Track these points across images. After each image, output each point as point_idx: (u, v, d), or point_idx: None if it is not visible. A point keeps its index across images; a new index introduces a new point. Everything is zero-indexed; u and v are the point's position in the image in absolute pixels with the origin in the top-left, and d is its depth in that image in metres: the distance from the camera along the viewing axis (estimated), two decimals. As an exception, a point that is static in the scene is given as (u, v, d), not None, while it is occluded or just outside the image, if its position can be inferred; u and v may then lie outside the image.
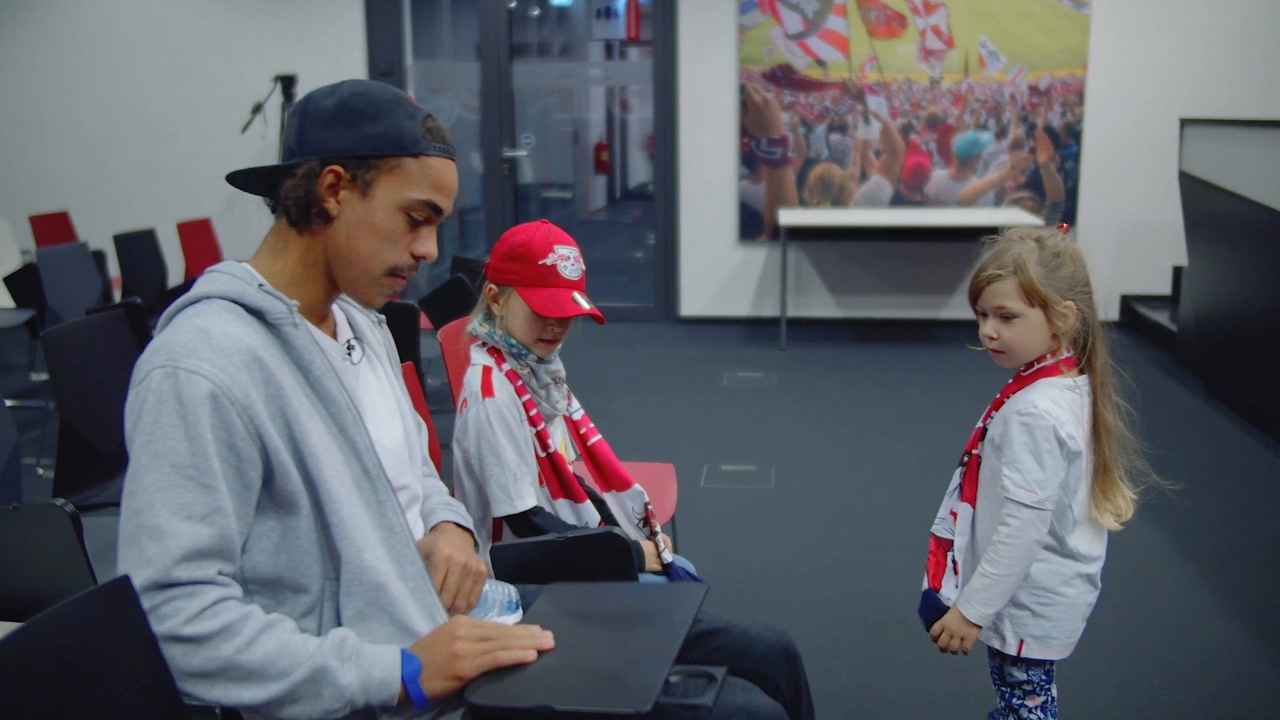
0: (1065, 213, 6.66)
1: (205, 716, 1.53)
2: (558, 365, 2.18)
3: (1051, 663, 1.93)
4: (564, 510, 2.11)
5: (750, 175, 6.89)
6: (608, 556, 1.86)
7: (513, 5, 7.19)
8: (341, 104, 1.45)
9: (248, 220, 7.15)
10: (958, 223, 6.34)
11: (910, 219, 6.40)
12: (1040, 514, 1.79)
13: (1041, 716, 1.95)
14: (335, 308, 1.61)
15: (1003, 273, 1.80)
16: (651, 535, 2.21)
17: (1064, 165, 6.65)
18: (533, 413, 2.08)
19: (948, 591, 1.91)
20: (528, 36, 11.04)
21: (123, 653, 1.27)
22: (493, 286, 2.11)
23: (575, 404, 2.25)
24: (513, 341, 2.09)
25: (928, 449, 4.57)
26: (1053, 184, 6.67)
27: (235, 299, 1.42)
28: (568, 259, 2.08)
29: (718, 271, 7.08)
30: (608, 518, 2.16)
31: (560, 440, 2.18)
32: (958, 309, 6.91)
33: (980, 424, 1.92)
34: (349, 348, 1.58)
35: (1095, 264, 1.88)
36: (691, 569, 2.27)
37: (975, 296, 1.87)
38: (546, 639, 1.42)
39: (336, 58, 7.10)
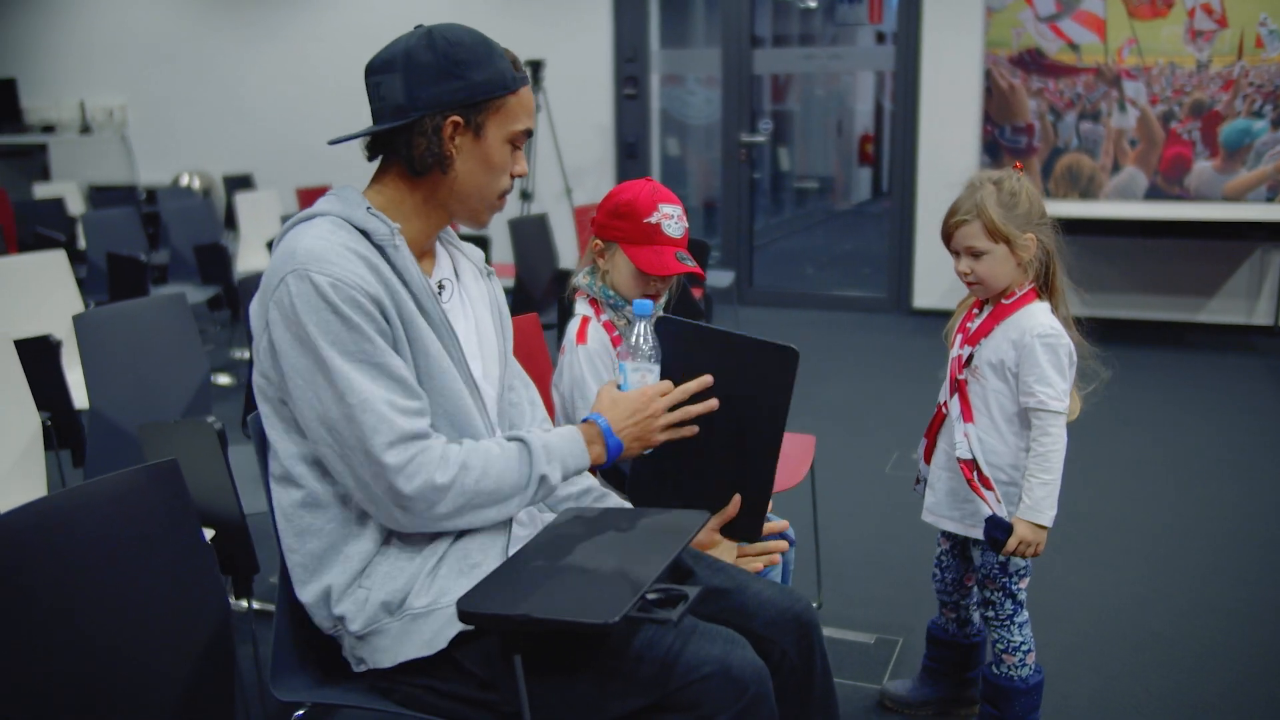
0: (1352, 211, 5.99)
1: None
2: None
3: None
4: None
5: (992, 164, 6.61)
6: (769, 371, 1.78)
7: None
8: (445, 57, 1.58)
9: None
10: (1222, 218, 5.84)
11: (1168, 213, 5.95)
12: (1064, 417, 2.10)
13: (1024, 597, 2.22)
14: (443, 250, 1.77)
15: (968, 217, 2.08)
16: None
17: (1352, 158, 5.98)
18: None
19: (993, 508, 2.11)
20: (791, 27, 11.03)
21: (166, 529, 1.45)
22: (599, 242, 2.19)
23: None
24: (610, 293, 2.16)
25: (1148, 454, 4.27)
26: (1338, 178, 6.02)
27: (344, 218, 1.58)
28: (671, 217, 2.13)
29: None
30: None
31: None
32: (1218, 312, 6.37)
33: (958, 351, 2.17)
34: (439, 287, 1.71)
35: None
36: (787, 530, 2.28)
37: (948, 239, 2.14)
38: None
39: (583, 43, 7.40)
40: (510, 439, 1.62)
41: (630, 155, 7.58)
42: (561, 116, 7.34)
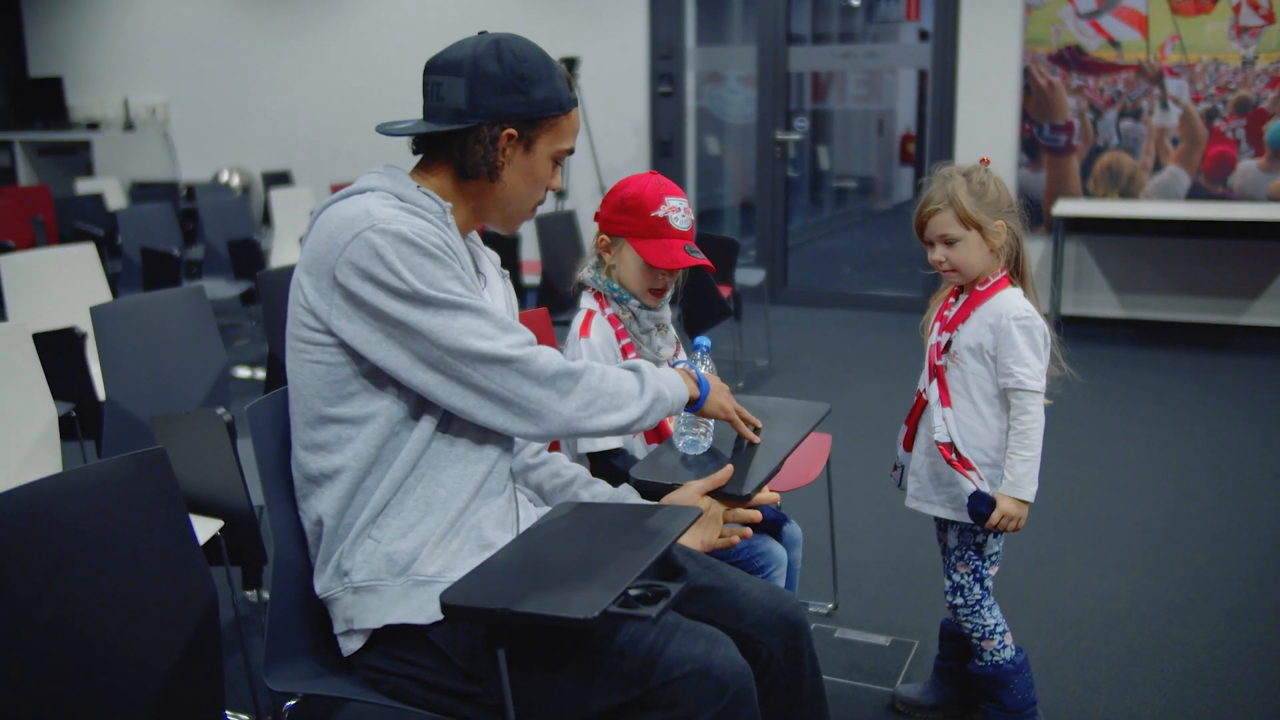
0: (1402, 211, 5.84)
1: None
2: (663, 313, 2.21)
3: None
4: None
5: (1030, 163, 6.52)
6: None
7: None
8: (511, 70, 1.61)
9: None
10: (1267, 218, 5.71)
11: (1211, 213, 5.83)
12: (1041, 396, 2.16)
13: (991, 584, 2.28)
14: (466, 248, 1.76)
15: (941, 206, 2.16)
16: None
17: (1403, 157, 5.83)
18: (631, 355, 2.14)
19: (975, 484, 2.15)
20: (833, 25, 10.96)
21: (152, 516, 1.45)
22: (604, 237, 2.18)
23: (681, 355, 2.28)
24: (615, 287, 2.15)
25: (1186, 458, 4.19)
26: (1387, 178, 5.86)
27: (394, 194, 1.60)
28: (678, 210, 2.11)
29: (990, 263, 6.76)
30: None
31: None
32: (1263, 314, 6.23)
33: (937, 339, 2.23)
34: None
35: None
36: (793, 531, 2.26)
37: (921, 228, 2.21)
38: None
39: (618, 41, 7.40)
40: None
41: (665, 153, 7.56)
42: (596, 114, 7.34)
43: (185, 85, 8.68)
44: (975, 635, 2.27)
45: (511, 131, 1.63)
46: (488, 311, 1.56)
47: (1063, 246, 6.37)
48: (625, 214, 2.13)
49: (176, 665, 1.48)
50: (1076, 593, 3.05)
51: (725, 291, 5.00)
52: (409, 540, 1.58)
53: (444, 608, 1.42)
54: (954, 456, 2.16)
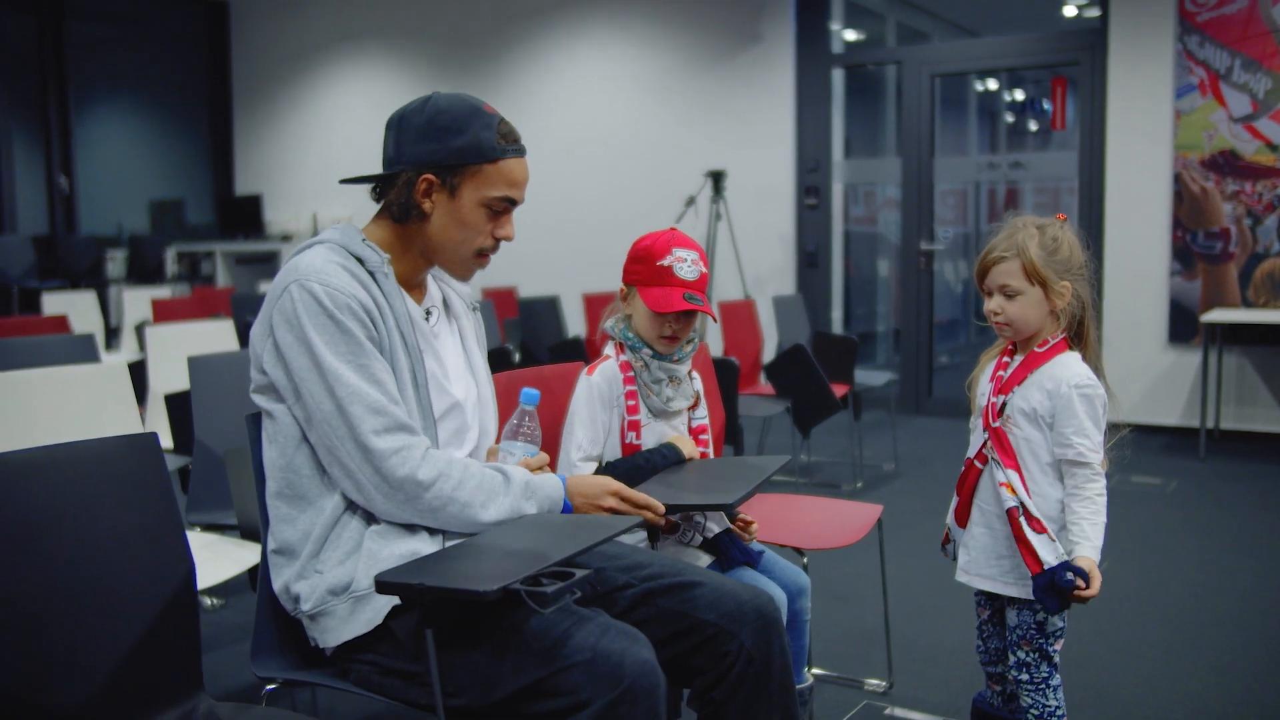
0: None
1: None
2: (679, 366, 2.28)
3: None
4: None
5: (1184, 272, 6.28)
6: None
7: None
8: (429, 121, 1.77)
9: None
10: None
11: (1386, 324, 5.48)
12: (1101, 469, 2.06)
13: (1058, 660, 2.14)
14: (435, 284, 1.94)
15: (1007, 255, 2.08)
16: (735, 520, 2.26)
17: None
18: (631, 403, 2.22)
19: (1047, 555, 2.02)
20: (1000, 138, 10.91)
21: (134, 495, 1.61)
22: (624, 287, 2.29)
23: (699, 412, 2.35)
24: (630, 335, 2.25)
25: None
26: None
27: (342, 245, 1.77)
28: (685, 261, 2.21)
29: (1144, 375, 6.48)
30: None
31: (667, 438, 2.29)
32: None
33: (992, 399, 2.14)
34: (427, 313, 1.88)
35: None
36: (800, 579, 2.26)
37: (982, 275, 2.12)
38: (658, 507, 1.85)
39: (765, 154, 7.60)
40: (491, 467, 1.75)
41: (810, 264, 7.65)
42: (742, 224, 7.51)
43: (366, 200, 9.36)
44: (1033, 713, 2.12)
45: (429, 177, 1.75)
46: (362, 389, 1.65)
47: (1220, 357, 6.07)
48: (637, 264, 2.24)
49: (152, 642, 1.60)
50: (1156, 689, 2.87)
51: (842, 389, 5.00)
52: (346, 567, 1.69)
53: (377, 584, 1.54)
54: (1022, 520, 2.05)
